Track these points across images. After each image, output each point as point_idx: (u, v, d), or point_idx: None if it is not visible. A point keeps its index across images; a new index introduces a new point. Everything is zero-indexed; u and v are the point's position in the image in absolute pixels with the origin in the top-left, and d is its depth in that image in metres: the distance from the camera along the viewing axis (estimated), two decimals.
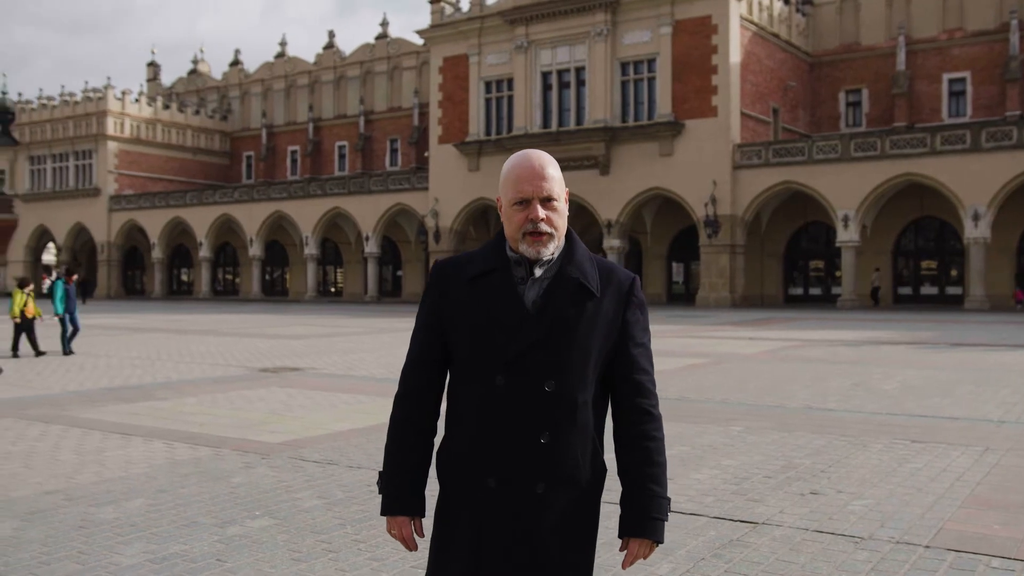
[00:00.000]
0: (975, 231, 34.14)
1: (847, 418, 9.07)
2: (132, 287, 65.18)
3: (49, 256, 70.03)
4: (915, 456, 7.19)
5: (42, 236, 65.12)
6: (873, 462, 6.98)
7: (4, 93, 68.02)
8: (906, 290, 40.90)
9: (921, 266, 41.17)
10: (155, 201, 58.82)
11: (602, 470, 2.33)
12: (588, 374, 2.25)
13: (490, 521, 2.21)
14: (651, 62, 41.39)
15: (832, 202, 36.94)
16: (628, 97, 42.10)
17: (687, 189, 39.79)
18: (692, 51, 40.08)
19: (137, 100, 62.05)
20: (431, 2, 48.20)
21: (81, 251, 64.71)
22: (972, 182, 34.08)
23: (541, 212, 2.22)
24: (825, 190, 37.03)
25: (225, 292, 62.43)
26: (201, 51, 70.38)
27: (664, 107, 40.75)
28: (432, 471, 2.38)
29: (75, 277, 18.70)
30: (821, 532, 5.12)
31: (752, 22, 41.22)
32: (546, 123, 43.93)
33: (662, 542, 2.32)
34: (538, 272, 2.25)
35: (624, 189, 41.47)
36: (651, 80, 41.52)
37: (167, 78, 71.76)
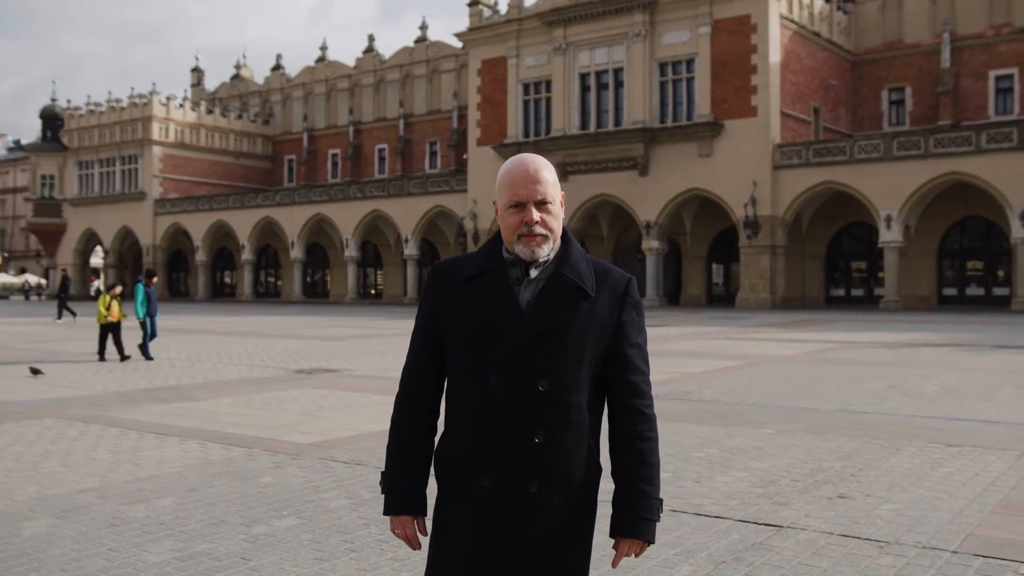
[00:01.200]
0: (1023, 231, 33.47)
1: (881, 421, 8.96)
2: (176, 289, 66.22)
3: (97, 259, 71.36)
4: (948, 460, 7.08)
5: (90, 239, 66.42)
6: (905, 466, 6.89)
7: (53, 100, 69.49)
8: (951, 291, 40.20)
9: (967, 267, 40.44)
10: (199, 204, 59.72)
11: (597, 470, 2.34)
12: (582, 374, 2.26)
13: (485, 520, 2.23)
14: (690, 62, 41.16)
15: (874, 202, 36.44)
16: (667, 98, 41.91)
17: (727, 190, 39.50)
18: (731, 51, 39.79)
19: (181, 105, 63.07)
20: (469, 5, 48.37)
21: (127, 254, 65.89)
22: (1019, 181, 33.41)
23: (536, 214, 2.25)
24: (867, 190, 36.54)
25: (267, 294, 63.18)
26: (244, 56, 71.43)
27: (703, 107, 40.50)
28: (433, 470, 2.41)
29: (155, 279, 18.27)
30: (846, 536, 5.07)
31: (792, 21, 40.82)
32: (584, 124, 43.88)
33: (653, 542, 2.33)
34: (533, 273, 2.28)
35: (663, 190, 41.28)
36: (690, 80, 41.29)
37: (213, 84, 72.82)
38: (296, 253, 55.28)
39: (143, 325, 16.82)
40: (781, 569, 4.53)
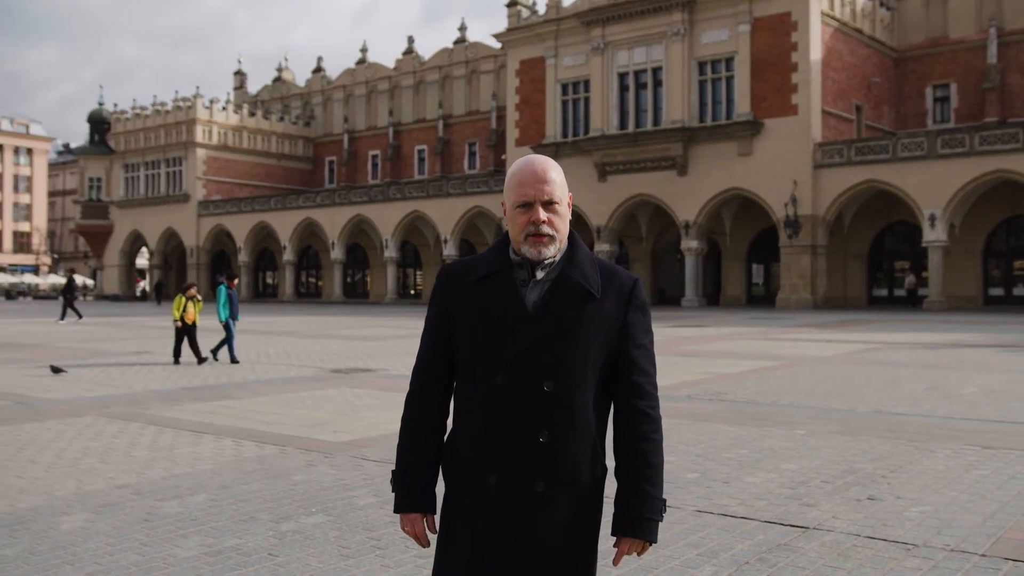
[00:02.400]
0: None
1: (917, 423, 8.85)
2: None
3: (142, 260, 72.61)
4: (983, 463, 6.98)
5: (136, 241, 67.60)
6: (938, 468, 6.80)
7: (101, 104, 70.82)
8: (997, 291, 39.47)
9: (1014, 266, 39.67)
10: (241, 206, 60.51)
11: (603, 470, 2.35)
12: (587, 375, 2.28)
13: (491, 518, 2.26)
14: (729, 61, 40.88)
15: (918, 201, 35.90)
16: (706, 97, 41.66)
17: (767, 189, 39.16)
18: (771, 49, 39.45)
19: (224, 108, 63.95)
20: (508, 5, 48.47)
21: (172, 255, 66.96)
22: None
23: (542, 214, 2.27)
24: (911, 189, 36.01)
25: (308, 294, 63.81)
26: (285, 59, 72.15)
27: (743, 106, 40.19)
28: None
29: (236, 281, 17.62)
30: (873, 538, 5.02)
31: (833, 18, 40.36)
32: (623, 124, 43.75)
33: (655, 542, 2.34)
34: (540, 274, 2.30)
35: (702, 190, 41.03)
36: (729, 79, 41.00)
37: (255, 87, 73.76)
38: (336, 254, 55.78)
39: (226, 327, 16.34)
40: (805, 571, 4.51)
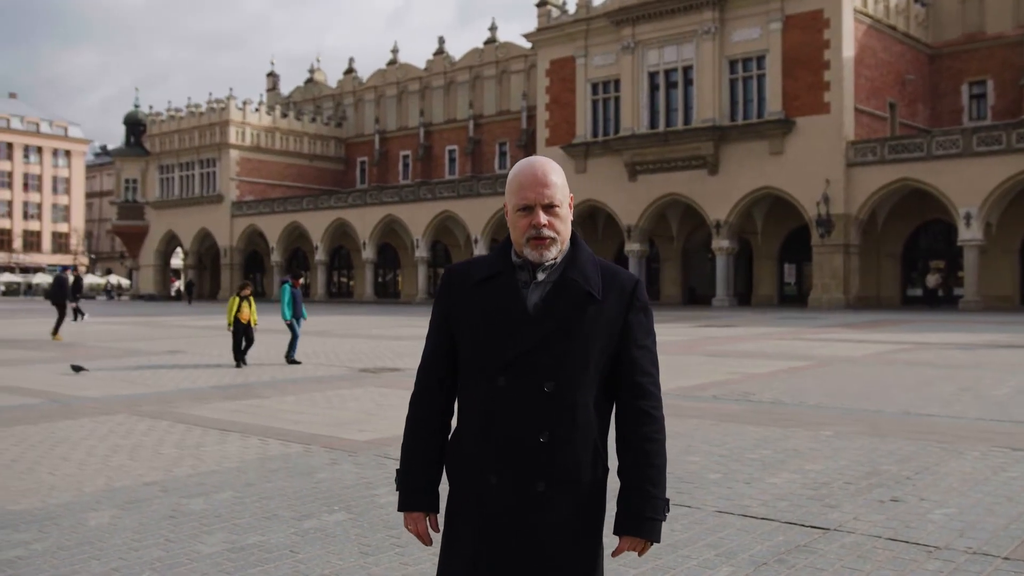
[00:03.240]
0: None
1: (946, 424, 8.75)
2: (253, 289, 67.60)
3: (177, 260, 73.47)
4: (1013, 465, 6.89)
5: (171, 241, 68.42)
6: (965, 470, 6.73)
7: (136, 106, 71.75)
8: None
9: None
10: (274, 207, 61.05)
11: (604, 471, 2.36)
12: (588, 376, 2.30)
13: (493, 518, 2.28)
14: (760, 59, 40.60)
15: (953, 199, 35.43)
16: (737, 95, 41.41)
17: (798, 188, 38.85)
18: (803, 47, 39.13)
19: (257, 110, 64.57)
20: (538, 5, 48.48)
21: (206, 255, 67.71)
22: None
23: (543, 217, 2.29)
24: (946, 187, 35.54)
25: (340, 294, 64.22)
26: (317, 61, 72.66)
27: (774, 105, 39.90)
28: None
29: (301, 280, 16.95)
30: (894, 540, 4.99)
31: (867, 14, 39.95)
32: (653, 123, 43.60)
33: (658, 541, 2.35)
34: (541, 276, 2.32)
35: (733, 189, 40.78)
36: (760, 77, 40.73)
37: (288, 88, 74.25)
38: (368, 254, 56.10)
39: (291, 327, 16.02)
40: (823, 572, 4.48)
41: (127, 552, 4.85)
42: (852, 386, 11.83)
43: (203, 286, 68.51)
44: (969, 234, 35.12)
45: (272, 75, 74.54)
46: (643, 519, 2.31)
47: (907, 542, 4.95)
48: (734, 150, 40.93)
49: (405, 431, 2.48)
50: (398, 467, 2.49)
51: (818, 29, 38.81)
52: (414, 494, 2.42)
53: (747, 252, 45.21)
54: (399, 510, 2.45)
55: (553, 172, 2.33)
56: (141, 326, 29.51)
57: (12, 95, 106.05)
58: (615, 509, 2.40)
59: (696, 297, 47.31)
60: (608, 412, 2.40)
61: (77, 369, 14.01)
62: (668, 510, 2.35)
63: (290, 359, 15.63)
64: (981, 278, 35.83)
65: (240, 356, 15.27)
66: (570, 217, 2.35)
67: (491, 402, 2.29)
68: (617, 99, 45.07)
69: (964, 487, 6.19)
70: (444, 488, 2.45)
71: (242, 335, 15.45)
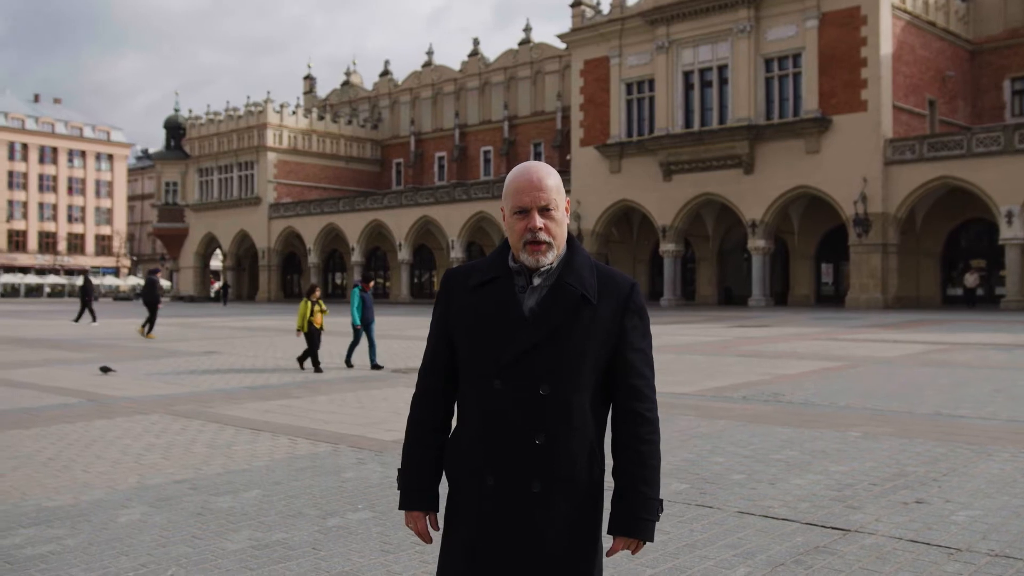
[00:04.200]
0: None
1: (977, 425, 8.65)
2: (290, 290, 68.44)
3: (216, 262, 74.45)
4: None
5: (210, 243, 69.34)
6: (994, 472, 6.66)
7: (176, 110, 72.81)
8: None
9: None
10: (310, 209, 61.63)
11: (601, 472, 2.40)
12: (584, 379, 2.33)
13: (490, 517, 2.32)
14: (796, 57, 40.25)
15: (994, 197, 34.86)
16: (772, 94, 41.09)
17: (835, 187, 38.46)
18: (840, 44, 38.72)
19: (294, 112, 65.22)
20: (572, 6, 48.44)
21: (244, 257, 68.52)
22: None
23: (539, 221, 2.33)
24: (986, 185, 34.99)
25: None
26: (353, 63, 73.19)
27: (810, 103, 39.54)
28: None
29: (372, 284, 16.65)
30: (915, 542, 4.96)
31: (905, 11, 39.43)
32: (688, 123, 43.40)
33: (652, 541, 2.38)
34: (537, 281, 2.36)
35: (769, 188, 40.46)
36: (796, 76, 40.38)
37: (325, 91, 74.93)
38: (404, 255, 56.42)
39: (357, 332, 15.76)
40: (841, 573, 4.48)
41: (155, 548, 4.97)
42: (884, 387, 11.72)
43: (241, 288, 69.33)
44: (1010, 232, 34.55)
45: (309, 78, 75.24)
46: (637, 519, 2.34)
47: (928, 544, 4.93)
48: (770, 149, 40.62)
49: (406, 432, 2.54)
50: (399, 467, 2.55)
51: (855, 26, 38.39)
52: (414, 493, 2.47)
53: (783, 252, 44.84)
54: (399, 508, 2.51)
55: (549, 176, 2.37)
56: (180, 327, 29.93)
57: (57, 100, 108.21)
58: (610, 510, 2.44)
59: (732, 297, 47.01)
60: (605, 414, 2.43)
61: (105, 370, 14.30)
62: (662, 510, 2.38)
63: (348, 361, 15.45)
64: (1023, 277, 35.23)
65: (316, 362, 14.69)
66: (566, 220, 2.39)
67: (488, 404, 2.34)
68: (652, 99, 44.92)
69: (991, 489, 6.14)
70: (444, 488, 2.51)
71: (318, 339, 14.97)
